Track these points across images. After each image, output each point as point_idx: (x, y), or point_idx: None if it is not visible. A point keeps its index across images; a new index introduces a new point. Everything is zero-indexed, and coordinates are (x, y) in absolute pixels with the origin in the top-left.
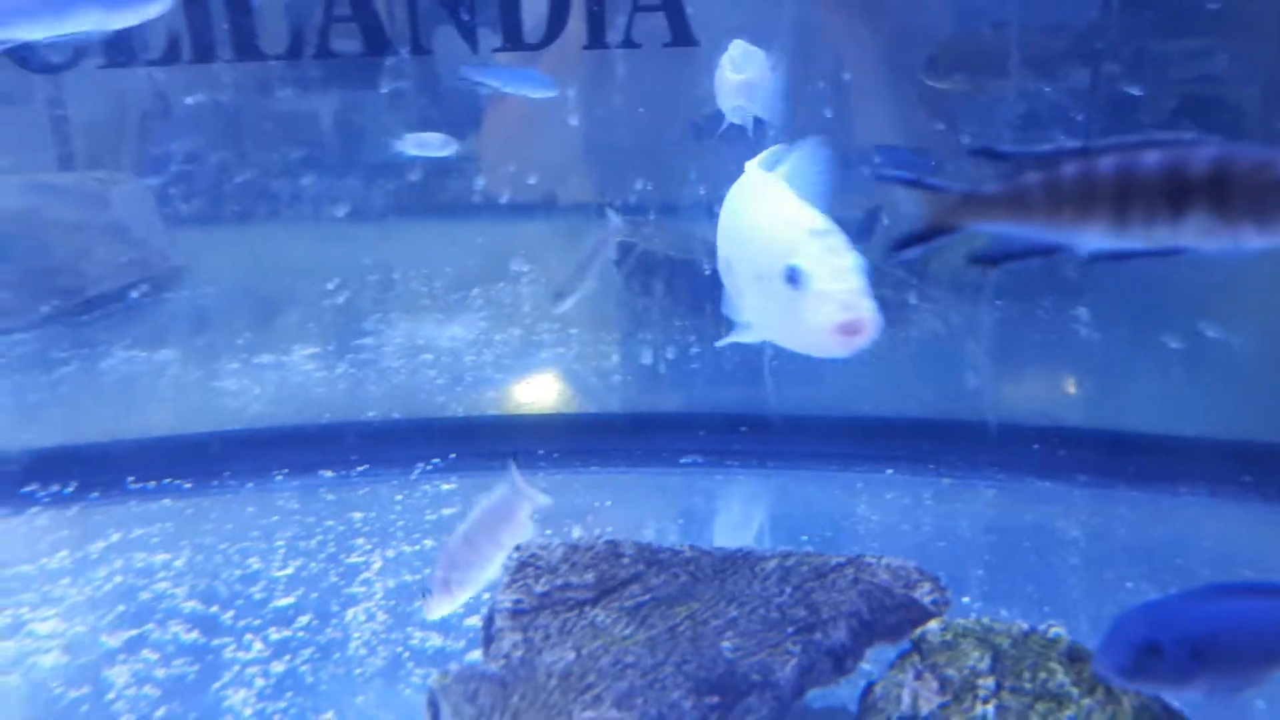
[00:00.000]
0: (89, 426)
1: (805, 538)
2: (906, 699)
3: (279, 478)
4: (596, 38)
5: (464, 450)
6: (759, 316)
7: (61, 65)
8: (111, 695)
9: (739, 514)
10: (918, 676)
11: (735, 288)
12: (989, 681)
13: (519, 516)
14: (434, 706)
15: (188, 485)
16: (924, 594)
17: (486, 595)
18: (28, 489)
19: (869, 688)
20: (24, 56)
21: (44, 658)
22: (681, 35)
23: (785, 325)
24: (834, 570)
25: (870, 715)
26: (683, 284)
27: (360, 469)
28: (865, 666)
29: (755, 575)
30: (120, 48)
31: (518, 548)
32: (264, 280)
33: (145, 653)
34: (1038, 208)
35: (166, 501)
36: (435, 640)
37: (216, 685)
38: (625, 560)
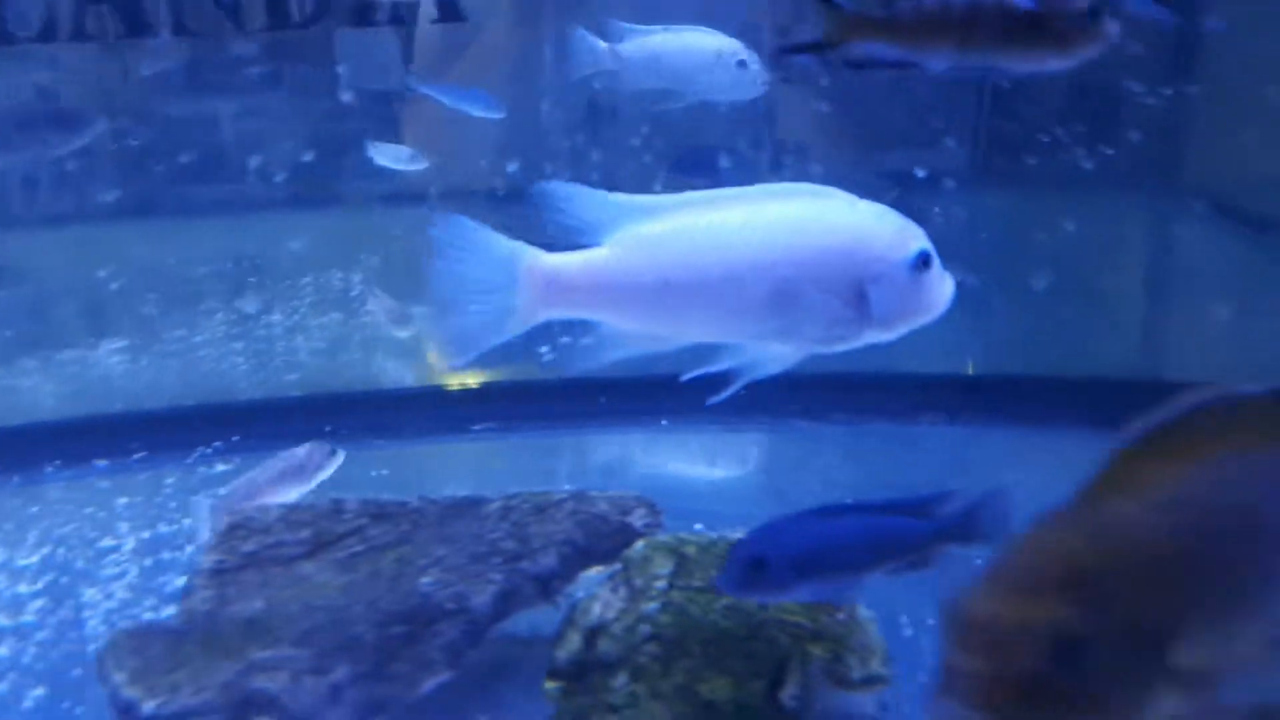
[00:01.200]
0: None
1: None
2: (596, 609)
3: (49, 470)
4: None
5: (248, 432)
6: (809, 329)
7: None
8: None
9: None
10: (613, 589)
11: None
12: (663, 584)
13: (314, 474)
14: (100, 663)
15: None
16: (637, 518)
17: None
18: None
19: (573, 605)
20: None
21: None
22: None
23: (900, 314)
24: (554, 505)
25: (566, 628)
26: None
27: (138, 456)
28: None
29: (477, 517)
30: None
31: (230, 512)
32: (87, 278)
33: None
34: (905, 32)
35: None
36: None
37: None
38: (347, 516)
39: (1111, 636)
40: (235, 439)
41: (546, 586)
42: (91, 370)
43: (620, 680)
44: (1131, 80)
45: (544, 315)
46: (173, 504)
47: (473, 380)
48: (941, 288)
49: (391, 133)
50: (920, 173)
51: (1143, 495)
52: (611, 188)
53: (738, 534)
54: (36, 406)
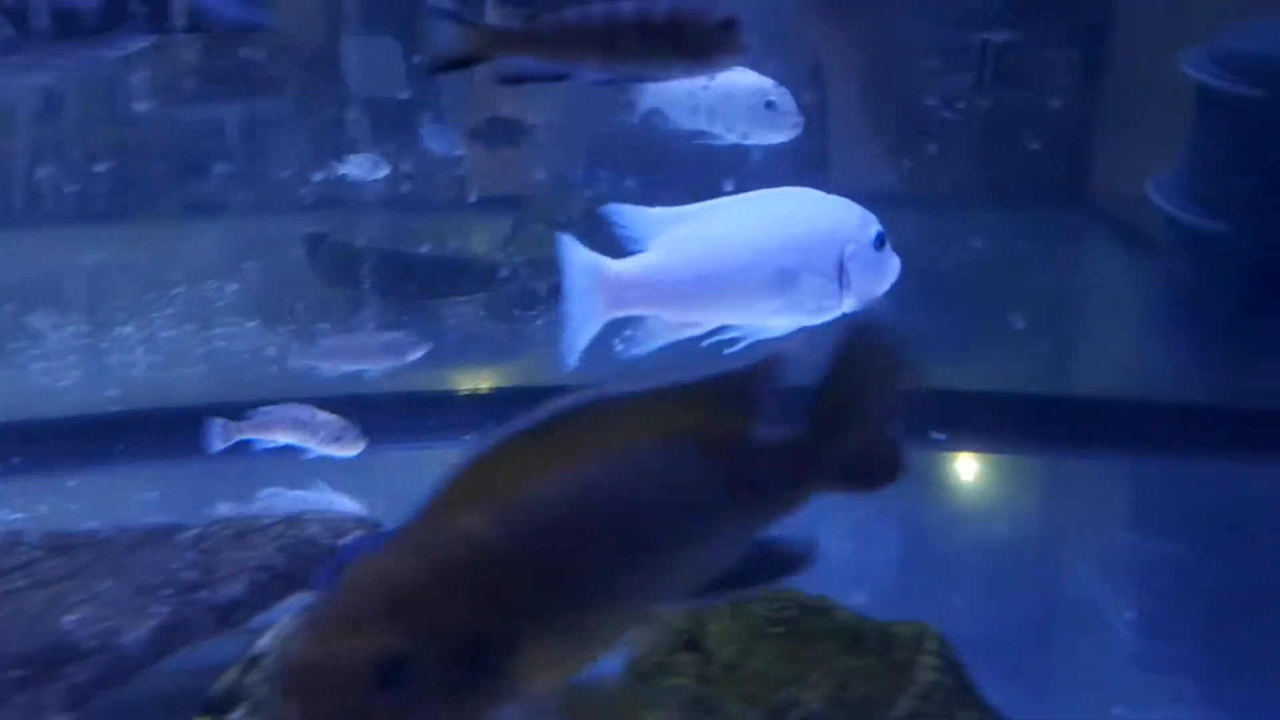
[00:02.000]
0: None
1: None
2: (266, 638)
3: None
4: None
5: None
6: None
7: None
8: None
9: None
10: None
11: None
12: None
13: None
14: None
15: None
16: (350, 540)
17: None
18: None
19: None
20: None
21: None
22: None
23: (870, 285)
24: (259, 530)
25: (239, 660)
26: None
27: None
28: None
29: (166, 545)
30: None
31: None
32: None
33: None
34: (548, 45)
35: None
36: None
37: None
38: (21, 549)
39: (445, 653)
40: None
41: (228, 616)
42: None
43: (236, 714)
44: None
45: (614, 314)
46: None
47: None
48: (893, 262)
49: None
50: None
51: (490, 504)
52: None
53: None
54: None
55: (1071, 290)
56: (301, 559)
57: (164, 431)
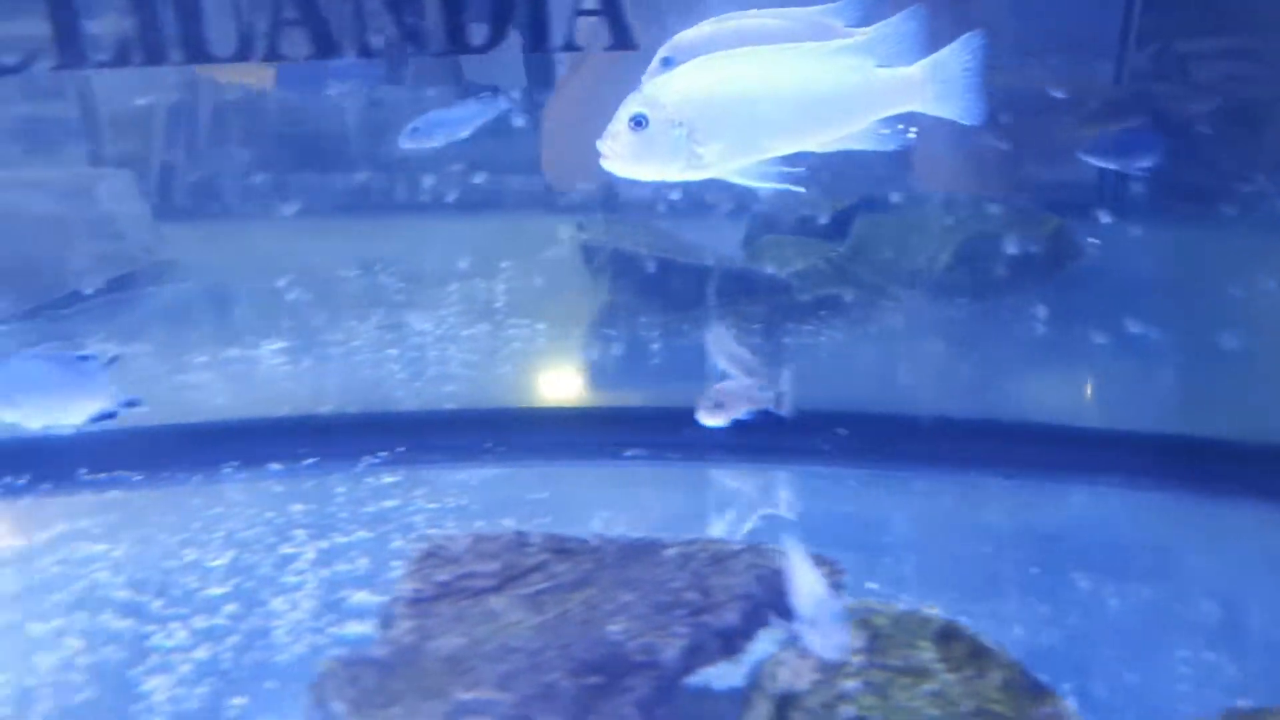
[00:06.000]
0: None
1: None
2: (784, 676)
3: (227, 470)
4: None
5: (413, 444)
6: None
7: (13, 67)
8: (33, 681)
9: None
10: (800, 655)
11: None
12: (860, 659)
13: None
14: (318, 690)
15: (137, 477)
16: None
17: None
18: None
19: (757, 666)
20: None
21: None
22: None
23: None
24: (732, 556)
25: (753, 693)
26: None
27: (308, 462)
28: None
29: (656, 562)
30: (70, 50)
31: (423, 538)
32: (246, 276)
33: (70, 640)
34: None
35: (116, 493)
36: (356, 628)
37: (137, 671)
38: (531, 549)
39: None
40: (400, 450)
41: (729, 643)
42: (255, 370)
43: None
44: None
45: None
46: (343, 514)
47: (626, 402)
48: None
49: None
50: None
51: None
52: None
53: (930, 607)
54: (206, 406)
55: None
56: (773, 590)
57: (527, 432)
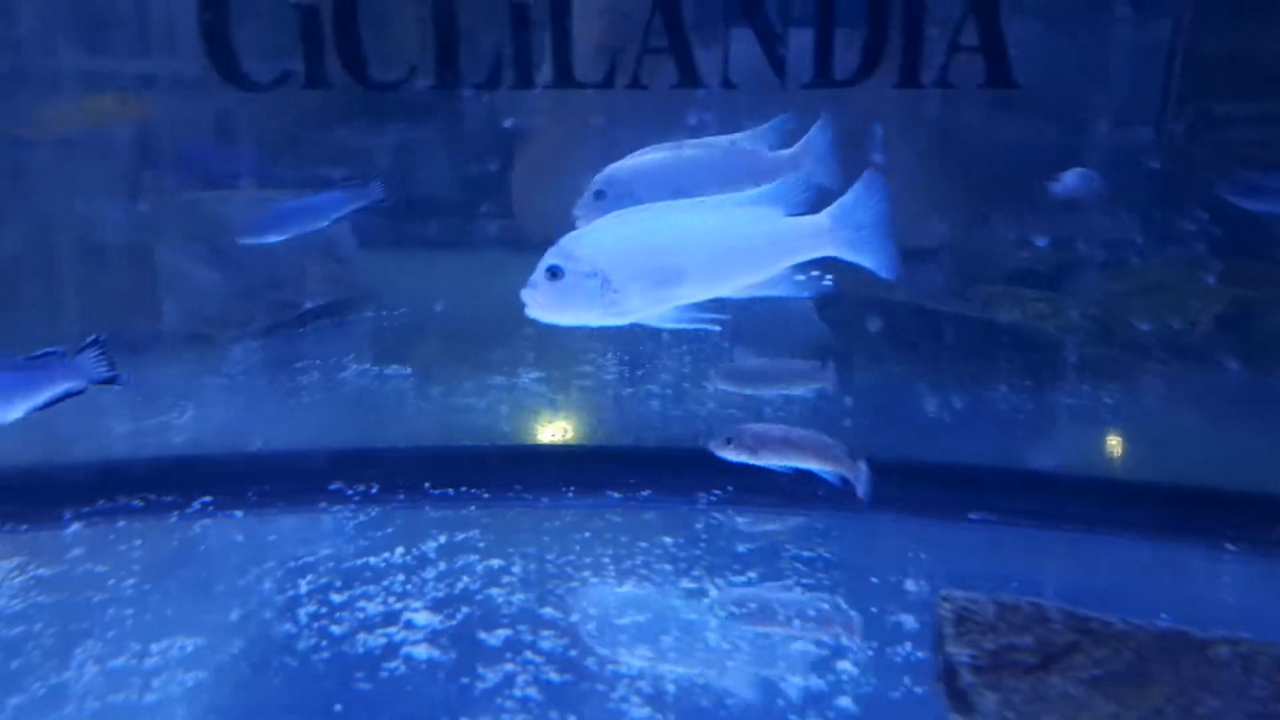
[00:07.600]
0: (379, 433)
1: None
2: None
3: (570, 494)
4: None
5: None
6: None
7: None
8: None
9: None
10: None
11: None
12: None
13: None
14: None
15: (485, 495)
16: None
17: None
18: (334, 486)
19: None
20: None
21: (418, 648)
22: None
23: None
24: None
25: None
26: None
27: (644, 494)
28: None
29: (1209, 661)
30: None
31: (946, 598)
32: (446, 303)
33: (527, 654)
34: None
35: (473, 509)
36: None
37: (607, 696)
38: (1056, 626)
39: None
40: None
41: None
42: (524, 398)
43: None
44: None
45: None
46: (700, 554)
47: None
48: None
49: None
50: None
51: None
52: None
53: None
54: (504, 430)
55: None
56: None
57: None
